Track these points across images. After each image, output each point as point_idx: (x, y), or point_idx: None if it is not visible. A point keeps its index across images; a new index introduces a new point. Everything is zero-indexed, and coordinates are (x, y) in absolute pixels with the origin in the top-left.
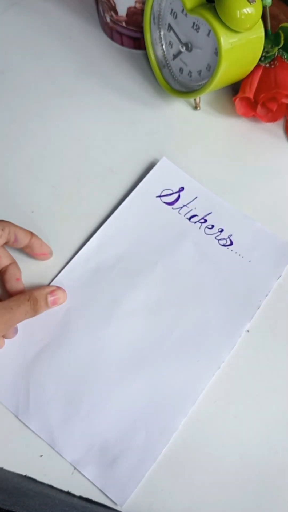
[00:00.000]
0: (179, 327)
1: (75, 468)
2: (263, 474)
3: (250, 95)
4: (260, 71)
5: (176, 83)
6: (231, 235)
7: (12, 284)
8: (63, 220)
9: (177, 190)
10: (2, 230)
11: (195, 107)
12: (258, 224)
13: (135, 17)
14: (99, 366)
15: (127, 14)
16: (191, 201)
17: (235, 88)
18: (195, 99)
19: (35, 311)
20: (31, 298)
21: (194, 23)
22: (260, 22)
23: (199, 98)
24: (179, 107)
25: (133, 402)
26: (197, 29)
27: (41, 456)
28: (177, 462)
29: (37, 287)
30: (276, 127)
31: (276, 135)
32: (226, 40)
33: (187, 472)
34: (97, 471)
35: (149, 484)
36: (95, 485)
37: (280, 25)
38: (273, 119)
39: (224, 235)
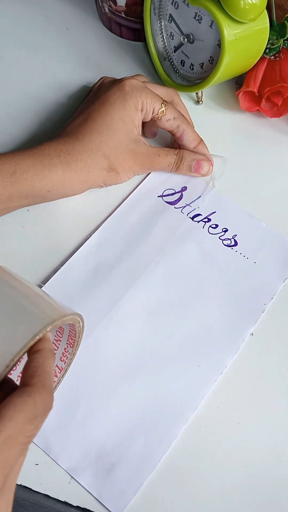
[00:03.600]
0: (181, 330)
1: (72, 477)
2: (268, 484)
3: (254, 89)
4: (264, 64)
5: (177, 76)
6: (236, 235)
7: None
8: (59, 218)
9: (180, 189)
10: (174, 119)
11: (197, 101)
12: (263, 224)
13: (135, 7)
14: (97, 369)
15: (127, 4)
16: (194, 200)
17: (238, 82)
18: (197, 93)
19: (176, 167)
20: (179, 153)
21: (196, 13)
22: (265, 12)
23: (202, 92)
24: None
25: (132, 408)
26: (199, 20)
27: (36, 464)
28: (178, 471)
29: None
30: (282, 122)
31: (281, 131)
32: (230, 31)
33: (188, 482)
34: (94, 479)
35: (148, 493)
36: (92, 495)
37: (286, 15)
38: (278, 114)
39: (228, 235)
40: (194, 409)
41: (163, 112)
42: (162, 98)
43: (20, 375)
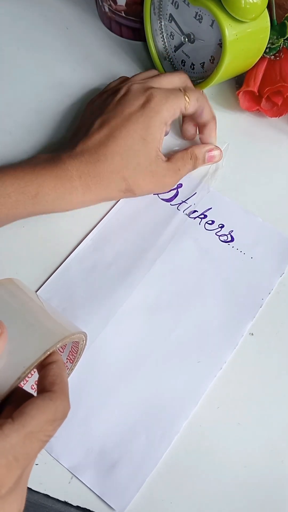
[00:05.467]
0: (179, 327)
1: (72, 477)
2: (268, 484)
3: (254, 88)
4: (264, 64)
5: None
6: (232, 230)
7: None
8: (59, 218)
9: (175, 186)
10: (197, 100)
11: None
12: (259, 219)
13: (135, 6)
14: (97, 367)
15: (127, 4)
16: (190, 196)
17: (238, 81)
18: None
19: (194, 168)
20: (192, 155)
21: (196, 13)
22: (266, 12)
23: (202, 91)
24: None
25: (133, 405)
26: (200, 20)
27: (36, 464)
28: (178, 471)
29: (197, 145)
30: (282, 122)
31: (281, 130)
32: (231, 31)
33: (188, 482)
34: (96, 477)
35: (148, 493)
36: (94, 492)
37: (286, 15)
38: (278, 113)
39: (224, 231)
40: (194, 404)
41: (188, 102)
42: (180, 89)
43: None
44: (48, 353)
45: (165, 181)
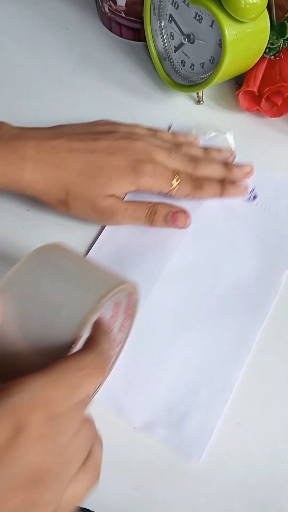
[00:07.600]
0: (220, 284)
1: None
2: (268, 484)
3: (254, 88)
4: (264, 64)
5: (177, 76)
6: (254, 188)
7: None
8: (59, 218)
9: None
10: (185, 196)
11: (198, 101)
12: (278, 174)
13: (135, 7)
14: (150, 328)
15: (126, 4)
16: None
17: (238, 81)
18: (197, 93)
19: (150, 221)
20: (152, 207)
21: (196, 13)
22: (266, 12)
23: (202, 92)
24: (180, 101)
25: (190, 359)
26: (200, 20)
27: None
28: (178, 471)
29: (165, 203)
30: (282, 122)
31: (281, 130)
32: (231, 31)
33: (188, 482)
34: (168, 432)
35: (148, 493)
36: (93, 493)
37: (286, 15)
38: (278, 113)
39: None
40: (248, 351)
41: (176, 188)
42: (173, 173)
43: None
44: (117, 289)
45: (104, 212)
